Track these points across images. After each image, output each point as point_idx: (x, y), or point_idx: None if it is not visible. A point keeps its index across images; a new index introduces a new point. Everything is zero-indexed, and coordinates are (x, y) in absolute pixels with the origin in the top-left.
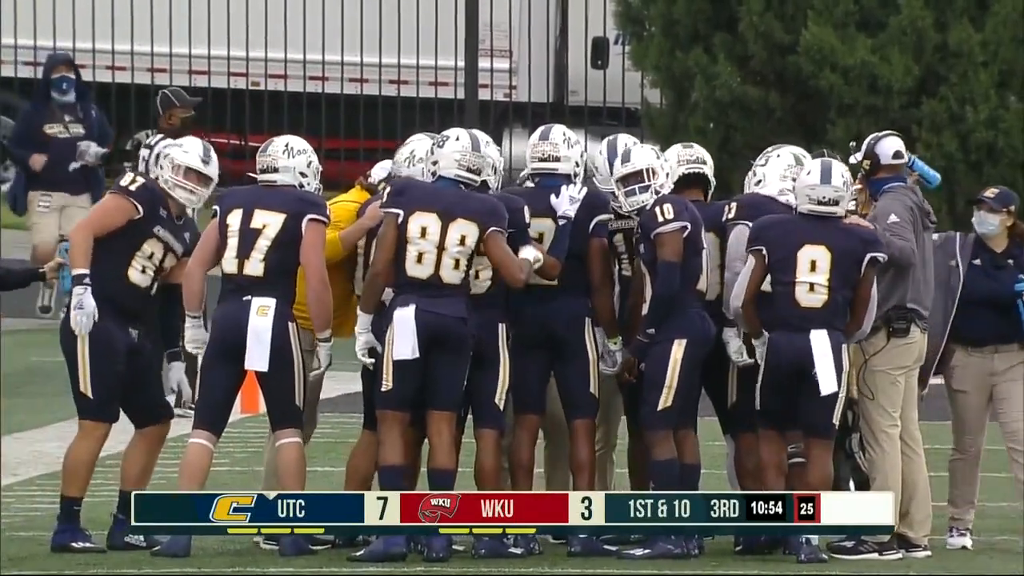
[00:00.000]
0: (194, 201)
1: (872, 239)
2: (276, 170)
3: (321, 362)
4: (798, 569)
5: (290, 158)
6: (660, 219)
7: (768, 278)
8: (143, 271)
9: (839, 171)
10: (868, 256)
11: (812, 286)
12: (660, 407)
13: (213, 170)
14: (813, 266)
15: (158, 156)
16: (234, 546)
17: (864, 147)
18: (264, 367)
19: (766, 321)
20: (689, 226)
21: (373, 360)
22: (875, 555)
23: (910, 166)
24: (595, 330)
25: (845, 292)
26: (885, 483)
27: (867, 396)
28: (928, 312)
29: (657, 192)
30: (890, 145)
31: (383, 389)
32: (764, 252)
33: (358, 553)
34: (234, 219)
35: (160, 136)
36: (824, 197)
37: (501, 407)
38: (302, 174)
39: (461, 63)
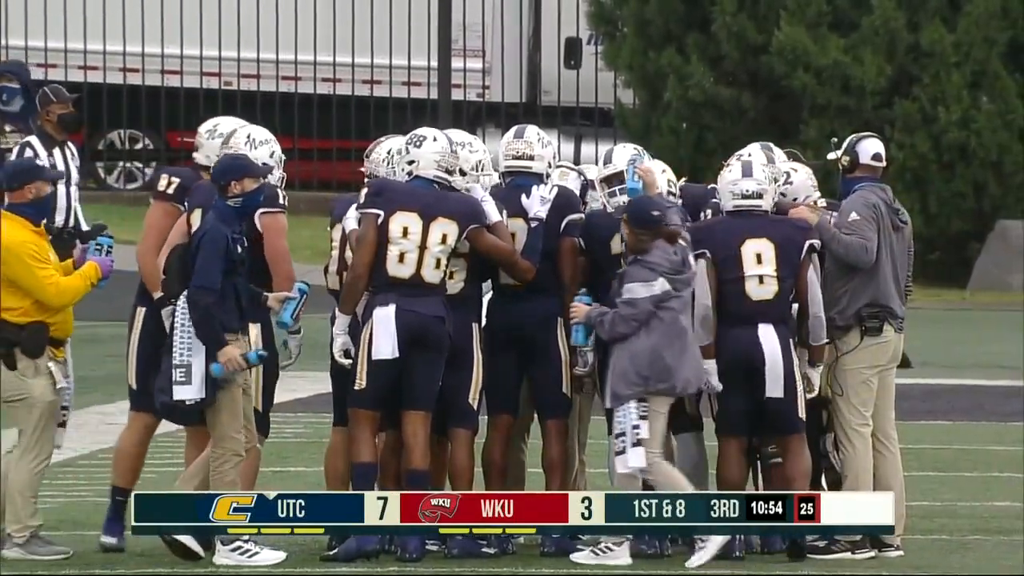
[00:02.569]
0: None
1: (807, 227)
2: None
3: (292, 354)
4: (774, 569)
5: (252, 149)
6: None
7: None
8: None
9: (759, 164)
10: (807, 243)
11: (761, 278)
12: None
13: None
14: (759, 259)
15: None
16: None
17: (845, 145)
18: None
19: (717, 320)
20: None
21: (350, 361)
22: (848, 554)
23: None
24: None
25: (791, 282)
26: (856, 482)
27: (837, 393)
28: (902, 310)
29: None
30: (870, 147)
31: (356, 387)
32: (709, 254)
33: (331, 552)
34: (196, 219)
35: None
36: (747, 190)
37: (475, 407)
38: (264, 164)
39: (434, 63)
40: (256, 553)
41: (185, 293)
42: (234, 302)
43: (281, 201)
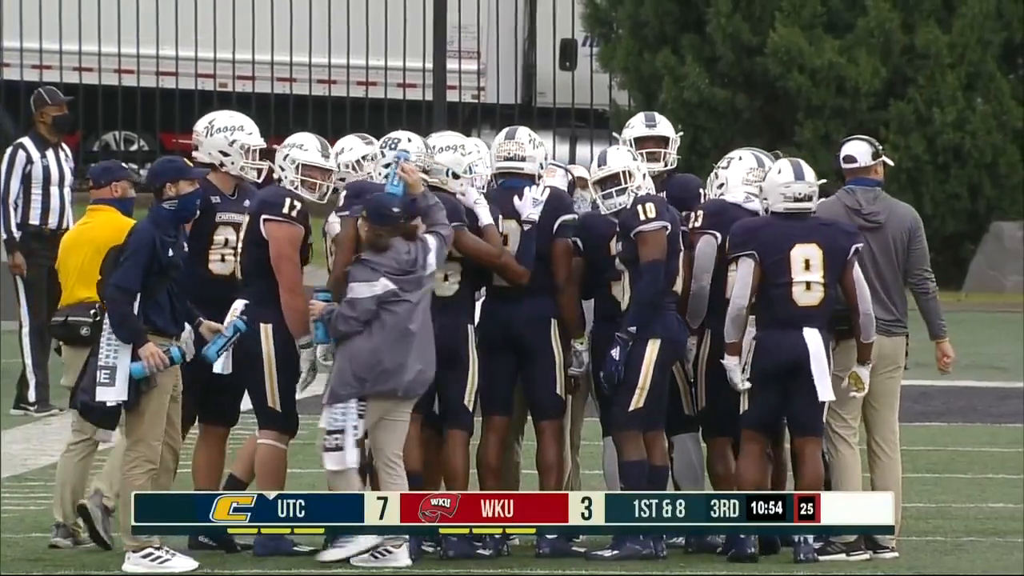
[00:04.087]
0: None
1: (853, 231)
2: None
3: (302, 368)
4: (762, 570)
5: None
6: (642, 217)
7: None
8: (223, 260)
9: (809, 168)
10: (853, 248)
11: (809, 284)
12: (631, 408)
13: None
14: (807, 264)
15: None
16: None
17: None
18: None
19: (758, 322)
20: (670, 226)
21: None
22: (842, 556)
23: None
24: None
25: (836, 288)
26: (839, 484)
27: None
28: (889, 312)
29: (634, 194)
30: (843, 150)
31: None
32: (757, 256)
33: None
34: None
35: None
36: (800, 193)
37: (470, 408)
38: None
39: (429, 64)
40: (167, 560)
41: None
42: (168, 306)
43: (285, 210)
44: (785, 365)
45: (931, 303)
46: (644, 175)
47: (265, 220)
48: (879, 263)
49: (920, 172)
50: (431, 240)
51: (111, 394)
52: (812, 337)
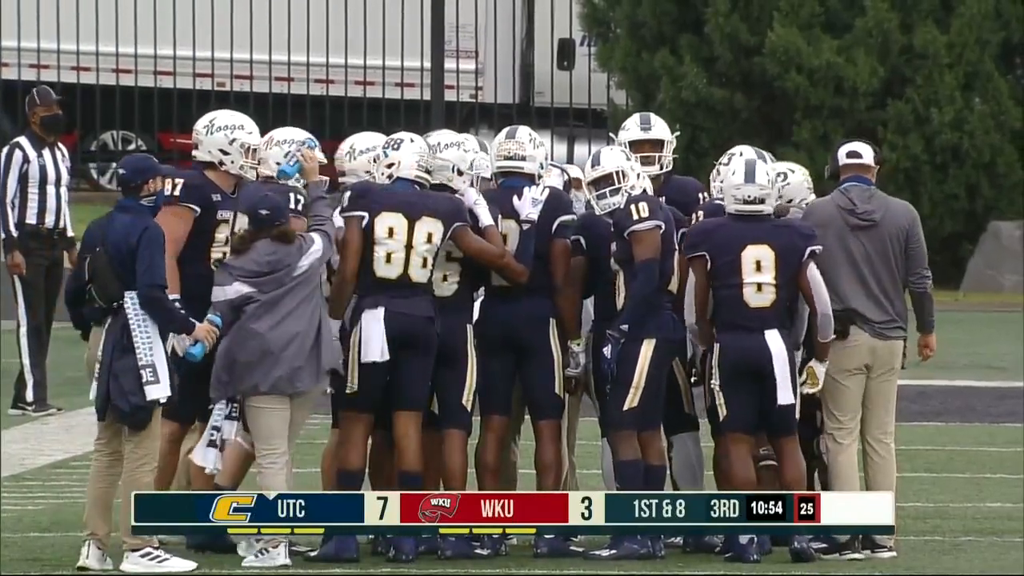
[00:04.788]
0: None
1: (809, 232)
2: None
3: None
4: (759, 570)
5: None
6: (635, 217)
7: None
8: (223, 257)
9: (763, 169)
10: (808, 249)
11: (760, 286)
12: (626, 407)
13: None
14: (758, 266)
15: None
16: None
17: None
18: None
19: (717, 324)
20: (663, 225)
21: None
22: (836, 555)
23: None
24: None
25: (790, 289)
26: (833, 484)
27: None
28: (881, 313)
29: (628, 194)
30: (847, 147)
31: (348, 391)
32: (707, 257)
33: (313, 553)
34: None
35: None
36: (750, 196)
37: (468, 408)
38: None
39: (427, 64)
40: (166, 560)
41: (134, 294)
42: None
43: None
44: (748, 369)
45: (925, 300)
46: (639, 175)
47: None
48: (874, 263)
49: (918, 172)
50: (316, 240)
51: (160, 390)
52: (773, 340)
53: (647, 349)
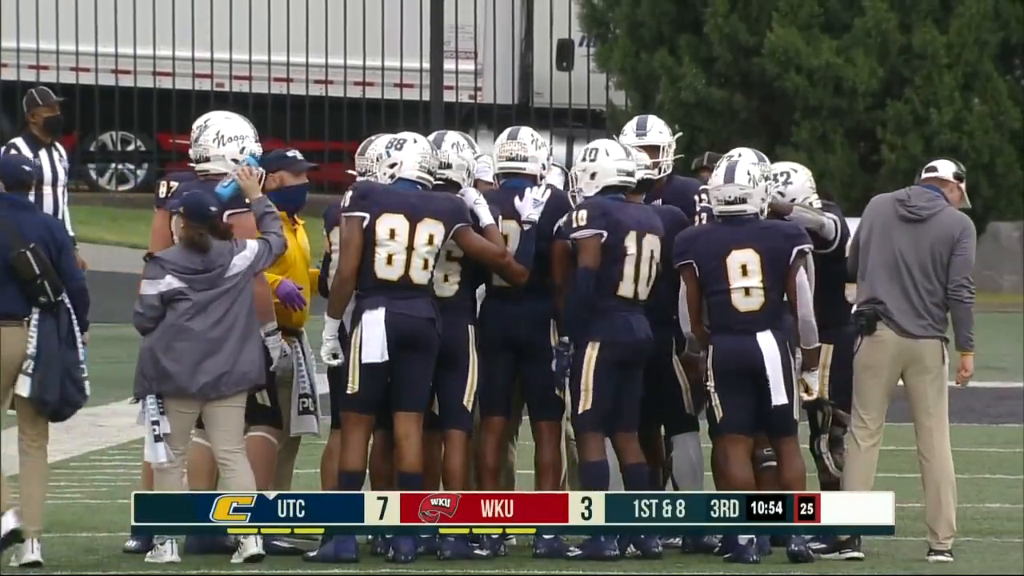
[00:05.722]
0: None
1: (795, 233)
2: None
3: (272, 357)
4: (757, 570)
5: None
6: (574, 224)
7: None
8: None
9: (744, 169)
10: (795, 250)
11: (747, 290)
12: (580, 410)
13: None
14: (744, 270)
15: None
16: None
17: None
18: None
19: (710, 327)
20: (604, 233)
21: (339, 361)
22: (835, 554)
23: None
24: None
25: (780, 290)
26: (843, 483)
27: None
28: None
29: (574, 197)
30: (932, 163)
31: (349, 391)
32: (694, 265)
33: (312, 553)
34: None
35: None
36: (730, 196)
37: (469, 408)
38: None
39: (426, 65)
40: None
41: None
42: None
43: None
44: (742, 371)
45: (962, 312)
46: (592, 175)
47: (231, 214)
48: (914, 261)
49: (917, 172)
50: (252, 244)
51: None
52: (766, 341)
53: (591, 352)
